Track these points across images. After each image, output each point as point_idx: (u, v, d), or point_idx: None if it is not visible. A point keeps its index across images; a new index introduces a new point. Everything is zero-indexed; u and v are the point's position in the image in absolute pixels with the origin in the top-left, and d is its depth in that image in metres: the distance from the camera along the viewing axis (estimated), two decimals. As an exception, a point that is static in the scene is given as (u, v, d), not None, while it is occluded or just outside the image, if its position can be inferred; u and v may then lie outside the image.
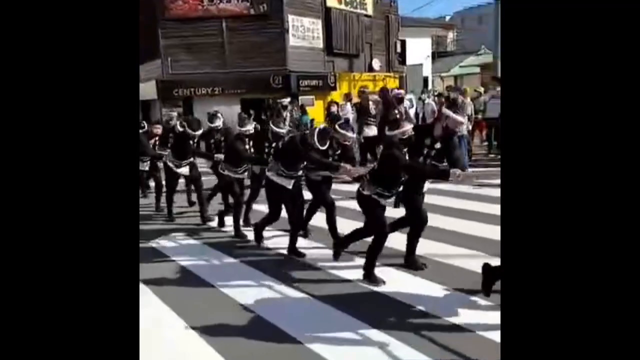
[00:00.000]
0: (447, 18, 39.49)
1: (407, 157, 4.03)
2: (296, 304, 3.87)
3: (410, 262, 4.44)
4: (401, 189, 4.26)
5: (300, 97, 15.30)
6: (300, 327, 3.40)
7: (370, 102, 9.19)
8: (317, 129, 4.70)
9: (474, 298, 3.71)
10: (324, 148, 4.66)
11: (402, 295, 3.85)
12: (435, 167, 4.15)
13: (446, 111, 4.17)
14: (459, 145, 4.48)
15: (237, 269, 4.70)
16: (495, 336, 3.13)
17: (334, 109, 9.68)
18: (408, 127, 4.13)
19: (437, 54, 29.22)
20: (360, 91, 10.00)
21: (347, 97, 12.07)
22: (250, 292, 4.08)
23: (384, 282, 4.09)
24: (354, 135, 5.04)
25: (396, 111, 8.00)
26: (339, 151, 4.92)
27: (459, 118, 4.18)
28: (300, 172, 5.00)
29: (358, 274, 4.25)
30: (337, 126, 4.69)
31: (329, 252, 4.80)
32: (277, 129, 5.48)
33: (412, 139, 4.11)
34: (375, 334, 3.27)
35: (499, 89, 9.53)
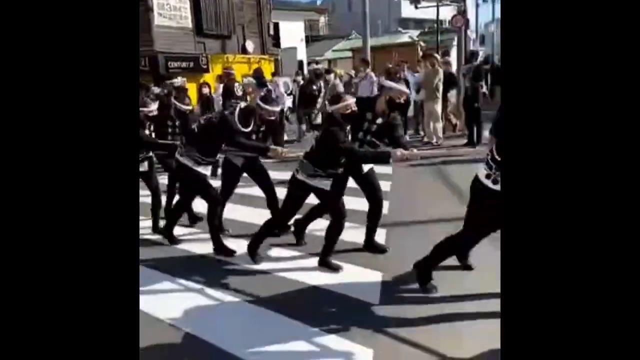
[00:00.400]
0: (319, 2, 40.30)
1: (350, 137, 3.69)
2: (232, 313, 3.28)
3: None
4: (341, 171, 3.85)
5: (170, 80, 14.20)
6: (239, 340, 2.86)
7: (236, 84, 9.16)
8: (238, 108, 4.17)
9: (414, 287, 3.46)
10: (248, 130, 4.17)
11: (355, 290, 3.46)
12: (376, 147, 3.85)
13: (387, 82, 3.90)
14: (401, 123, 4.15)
15: (151, 276, 3.88)
16: (457, 326, 2.90)
17: (205, 90, 9.16)
18: (351, 101, 3.73)
19: (311, 38, 29.46)
20: (225, 73, 9.89)
21: (220, 79, 11.50)
22: (172, 303, 3.39)
23: (341, 268, 3.79)
24: (278, 109, 4.52)
25: (314, 87, 7.63)
26: (263, 127, 4.41)
27: (403, 88, 3.91)
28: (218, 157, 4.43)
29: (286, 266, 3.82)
30: (259, 101, 4.20)
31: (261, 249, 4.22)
32: (183, 106, 5.07)
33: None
34: (331, 340, 2.82)
35: (368, 70, 9.88)
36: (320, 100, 7.81)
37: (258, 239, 4.10)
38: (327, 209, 3.95)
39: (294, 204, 3.88)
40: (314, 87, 7.54)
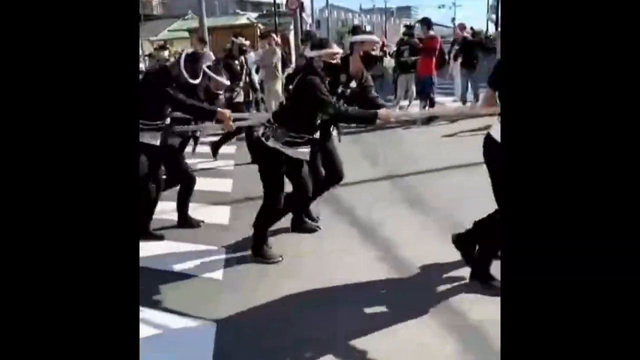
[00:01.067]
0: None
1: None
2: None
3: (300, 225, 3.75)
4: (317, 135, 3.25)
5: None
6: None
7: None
8: (184, 54, 3.52)
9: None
10: (197, 82, 3.46)
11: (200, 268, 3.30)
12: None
13: (357, 37, 3.41)
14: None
15: None
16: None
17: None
18: (338, 50, 3.15)
19: (144, 17, 27.73)
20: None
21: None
22: None
23: (281, 258, 3.31)
24: (228, 82, 3.93)
25: (236, 62, 6.99)
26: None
27: (374, 37, 3.57)
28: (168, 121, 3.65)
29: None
30: (205, 68, 3.59)
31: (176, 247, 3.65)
32: None
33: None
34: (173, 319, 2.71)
35: (205, 49, 9.62)
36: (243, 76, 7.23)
37: (263, 237, 3.34)
38: (295, 184, 3.26)
39: (278, 179, 3.16)
40: (236, 63, 7.03)
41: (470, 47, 9.07)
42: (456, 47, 9.39)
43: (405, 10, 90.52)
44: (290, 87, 3.04)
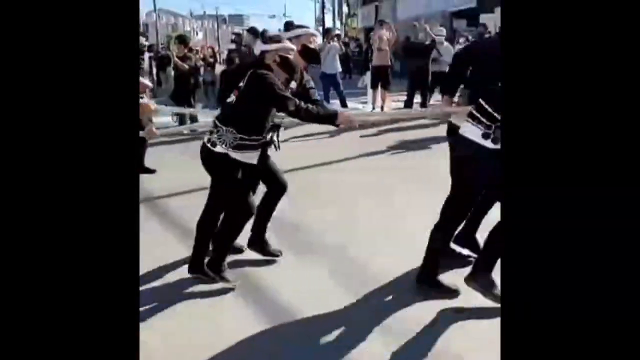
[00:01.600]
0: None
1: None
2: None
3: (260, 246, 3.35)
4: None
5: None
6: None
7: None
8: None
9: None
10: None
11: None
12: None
13: (292, 32, 3.26)
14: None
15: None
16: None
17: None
18: (290, 46, 2.95)
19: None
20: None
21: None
22: None
23: (235, 284, 2.94)
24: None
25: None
26: None
27: (310, 29, 3.47)
28: None
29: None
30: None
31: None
32: None
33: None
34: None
35: None
36: None
37: (220, 256, 2.99)
38: (233, 196, 2.95)
39: (238, 184, 2.88)
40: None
41: None
42: None
43: (237, 18, 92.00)
44: (241, 84, 2.80)
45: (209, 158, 2.84)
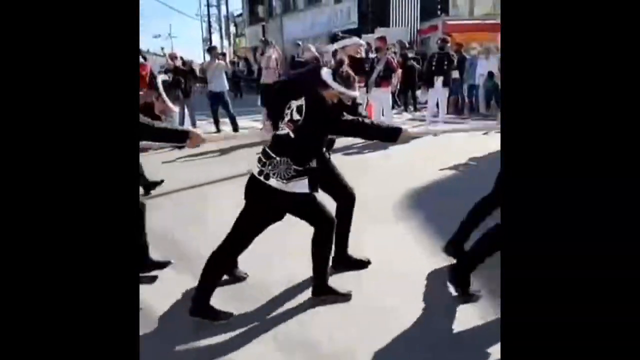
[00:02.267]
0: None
1: None
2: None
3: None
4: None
5: None
6: None
7: None
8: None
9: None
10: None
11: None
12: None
13: (338, 43, 3.12)
14: None
15: None
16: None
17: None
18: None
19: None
20: None
21: None
22: None
23: (229, 316, 2.73)
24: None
25: None
26: None
27: (355, 39, 3.30)
28: None
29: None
30: None
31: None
32: None
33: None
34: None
35: None
36: None
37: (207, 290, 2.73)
38: (311, 219, 2.78)
39: (258, 228, 2.67)
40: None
41: (182, 75, 9.17)
42: (169, 75, 9.82)
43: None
44: (293, 106, 2.61)
45: (258, 192, 2.62)
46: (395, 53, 11.28)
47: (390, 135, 2.69)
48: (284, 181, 2.55)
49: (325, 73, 2.60)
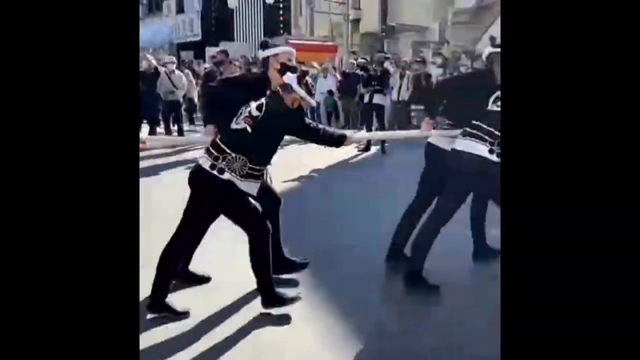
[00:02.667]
0: None
1: None
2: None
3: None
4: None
5: None
6: None
7: None
8: None
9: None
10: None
11: None
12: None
13: (270, 50, 3.10)
14: None
15: None
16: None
17: None
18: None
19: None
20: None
21: None
22: None
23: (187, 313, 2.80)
24: None
25: None
26: None
27: (286, 47, 3.30)
28: None
29: None
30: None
31: None
32: None
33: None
34: None
35: None
36: None
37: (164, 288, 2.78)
38: (250, 224, 2.78)
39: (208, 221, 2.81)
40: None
41: None
42: None
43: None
44: (252, 105, 2.73)
45: (209, 185, 2.64)
46: (240, 68, 11.40)
47: (338, 141, 2.88)
48: (239, 178, 2.60)
49: (290, 78, 2.72)
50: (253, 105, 2.72)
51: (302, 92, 2.72)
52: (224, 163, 2.60)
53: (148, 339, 2.52)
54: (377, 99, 8.51)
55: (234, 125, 2.71)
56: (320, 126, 2.96)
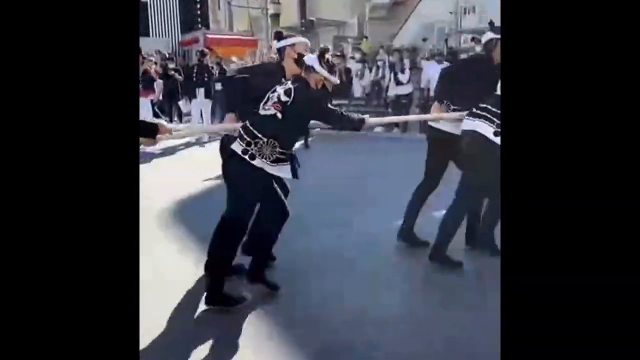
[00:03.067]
0: None
1: None
2: None
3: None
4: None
5: None
6: None
7: None
8: None
9: None
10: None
11: None
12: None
13: (286, 41, 3.19)
14: None
15: None
16: None
17: None
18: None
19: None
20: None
21: None
22: None
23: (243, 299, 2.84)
24: None
25: None
26: None
27: (302, 38, 3.31)
28: None
29: None
30: None
31: None
32: None
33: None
34: None
35: None
36: None
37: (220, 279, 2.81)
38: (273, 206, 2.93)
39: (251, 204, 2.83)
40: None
41: None
42: None
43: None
44: (279, 90, 2.81)
45: (241, 171, 2.73)
46: (155, 63, 11.01)
47: (359, 125, 2.98)
48: (269, 163, 2.70)
49: (311, 59, 2.85)
50: (280, 90, 2.78)
51: (324, 72, 2.85)
52: (255, 148, 2.68)
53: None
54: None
55: (262, 111, 2.78)
56: (340, 111, 3.08)
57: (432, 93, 4.03)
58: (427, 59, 10.92)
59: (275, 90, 2.80)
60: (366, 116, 3.08)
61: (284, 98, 2.74)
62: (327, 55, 2.91)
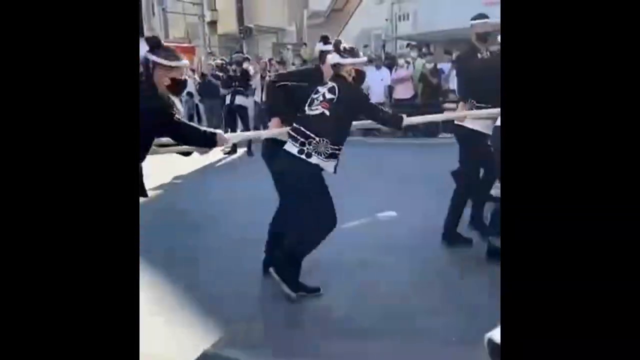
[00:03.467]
0: None
1: None
2: None
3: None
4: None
5: None
6: None
7: None
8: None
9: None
10: None
11: None
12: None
13: (328, 45, 3.26)
14: None
15: None
16: None
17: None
18: (364, 59, 3.26)
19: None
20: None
21: None
22: None
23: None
24: None
25: None
26: None
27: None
28: None
29: None
30: None
31: None
32: None
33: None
34: None
35: None
36: None
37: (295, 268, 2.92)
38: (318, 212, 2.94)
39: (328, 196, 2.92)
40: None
41: None
42: None
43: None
44: (322, 90, 2.92)
45: (297, 170, 2.83)
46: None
47: (397, 123, 3.15)
48: (324, 159, 2.80)
49: (332, 57, 2.95)
50: (323, 90, 2.90)
51: (349, 60, 2.92)
52: (310, 147, 2.79)
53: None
54: (239, 100, 8.46)
55: (309, 112, 2.88)
56: (379, 106, 3.21)
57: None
58: (366, 64, 11.09)
59: (317, 91, 2.91)
60: (404, 115, 3.22)
61: (329, 96, 2.87)
62: (342, 46, 2.99)
